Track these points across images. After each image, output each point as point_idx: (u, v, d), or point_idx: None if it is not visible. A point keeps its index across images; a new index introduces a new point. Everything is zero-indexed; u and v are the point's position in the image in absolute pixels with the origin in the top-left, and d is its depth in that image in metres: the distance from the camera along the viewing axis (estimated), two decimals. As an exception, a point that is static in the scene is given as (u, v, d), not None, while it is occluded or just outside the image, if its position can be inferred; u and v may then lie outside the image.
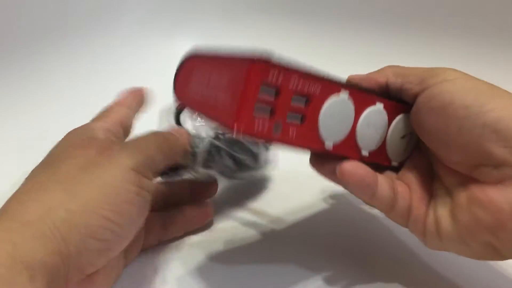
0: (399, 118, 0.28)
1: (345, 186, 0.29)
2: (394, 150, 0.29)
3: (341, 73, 0.57)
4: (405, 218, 0.29)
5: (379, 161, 0.29)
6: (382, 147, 0.28)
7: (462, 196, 0.27)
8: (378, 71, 0.30)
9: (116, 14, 0.56)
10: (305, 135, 0.25)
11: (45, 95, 0.51)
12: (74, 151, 0.27)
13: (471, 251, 0.27)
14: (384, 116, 0.28)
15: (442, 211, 0.28)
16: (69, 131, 0.30)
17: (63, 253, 0.22)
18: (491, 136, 0.24)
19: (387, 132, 0.28)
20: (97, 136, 0.28)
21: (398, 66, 0.30)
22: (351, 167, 0.28)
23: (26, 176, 0.28)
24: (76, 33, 0.55)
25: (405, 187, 0.30)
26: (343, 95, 0.26)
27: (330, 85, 0.26)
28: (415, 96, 0.28)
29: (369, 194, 0.29)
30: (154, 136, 0.31)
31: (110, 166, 0.25)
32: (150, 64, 0.54)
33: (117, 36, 0.56)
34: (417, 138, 0.29)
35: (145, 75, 0.46)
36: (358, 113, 0.27)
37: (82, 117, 0.34)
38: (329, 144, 0.26)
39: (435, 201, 0.29)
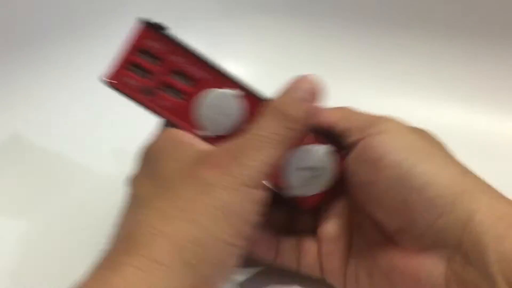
0: (305, 148, 0.26)
1: None
2: (288, 179, 0.27)
3: (342, 72, 0.57)
4: (317, 272, 0.28)
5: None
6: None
7: (382, 259, 0.25)
8: (333, 109, 0.27)
9: (116, 14, 0.53)
10: (178, 111, 0.26)
11: (45, 94, 0.48)
12: (187, 171, 0.24)
13: None
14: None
15: (361, 270, 0.26)
16: (160, 142, 0.26)
17: (197, 286, 0.22)
18: (417, 203, 0.23)
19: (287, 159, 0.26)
20: (200, 148, 0.25)
21: (348, 110, 0.27)
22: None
23: (20, 175, 0.26)
24: (76, 33, 0.52)
25: (313, 244, 0.28)
26: (230, 91, 0.26)
27: (220, 78, 0.26)
28: (354, 144, 0.25)
29: (268, 259, 0.28)
30: (267, 124, 0.24)
31: (225, 184, 0.22)
32: None
33: (116, 36, 0.52)
34: (331, 182, 0.27)
35: None
36: (248, 114, 0.26)
37: (82, 116, 0.33)
38: (206, 133, 0.26)
39: (356, 255, 0.27)
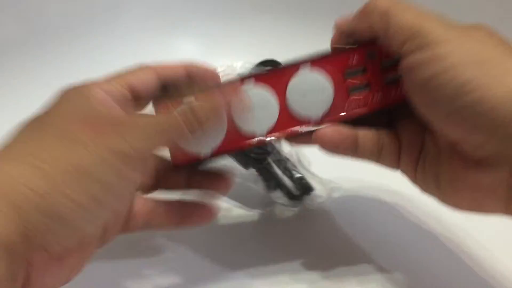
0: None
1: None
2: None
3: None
4: (394, 166, 0.29)
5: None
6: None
7: (446, 167, 0.26)
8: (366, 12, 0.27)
9: (115, 14, 0.54)
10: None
11: (44, 94, 0.48)
12: (61, 121, 0.24)
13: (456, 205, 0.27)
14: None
15: (429, 172, 0.27)
16: (67, 88, 0.27)
17: (23, 234, 0.21)
18: (474, 115, 0.23)
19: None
20: (92, 107, 0.25)
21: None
22: (325, 134, 0.27)
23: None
24: (76, 33, 0.52)
25: (393, 138, 0.28)
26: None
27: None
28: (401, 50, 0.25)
29: (349, 153, 0.28)
30: (164, 117, 0.26)
31: (92, 147, 0.23)
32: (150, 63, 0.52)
33: (116, 36, 0.53)
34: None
35: None
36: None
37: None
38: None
39: (425, 158, 0.27)
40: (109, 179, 0.23)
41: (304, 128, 0.27)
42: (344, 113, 0.27)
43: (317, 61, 0.27)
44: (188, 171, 0.31)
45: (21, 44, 0.51)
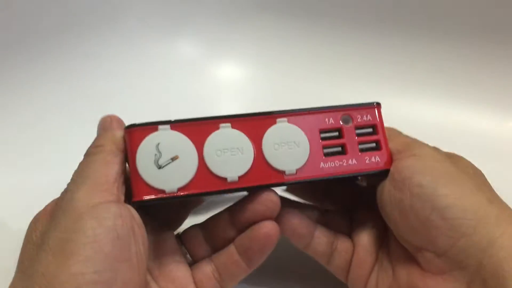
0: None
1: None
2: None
3: (342, 72, 0.57)
4: (343, 275, 0.29)
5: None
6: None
7: (402, 278, 0.26)
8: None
9: (115, 14, 0.54)
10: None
11: (44, 94, 0.48)
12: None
13: None
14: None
15: (381, 284, 0.27)
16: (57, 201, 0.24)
17: None
18: (438, 223, 0.23)
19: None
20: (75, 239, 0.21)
21: (393, 130, 0.29)
22: (287, 217, 0.27)
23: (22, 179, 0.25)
24: (76, 33, 0.52)
25: (348, 245, 0.29)
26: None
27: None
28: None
29: (302, 244, 0.28)
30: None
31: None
32: (150, 64, 0.52)
33: (116, 36, 0.53)
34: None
35: (145, 76, 0.46)
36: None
37: (81, 117, 0.33)
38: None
39: (378, 269, 0.28)
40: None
41: (277, 180, 0.26)
42: (319, 172, 0.26)
43: (295, 115, 0.26)
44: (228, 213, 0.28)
45: (20, 46, 0.50)
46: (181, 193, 0.24)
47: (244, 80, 0.50)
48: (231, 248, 0.27)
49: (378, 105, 0.27)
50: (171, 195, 0.23)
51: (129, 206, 0.23)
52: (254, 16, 0.56)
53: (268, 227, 0.26)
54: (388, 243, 0.28)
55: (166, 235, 0.27)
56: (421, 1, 0.50)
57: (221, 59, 0.50)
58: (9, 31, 0.50)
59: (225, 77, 0.49)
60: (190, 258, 0.28)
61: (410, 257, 0.26)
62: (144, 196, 0.23)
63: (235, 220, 0.27)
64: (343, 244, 0.29)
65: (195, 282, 0.27)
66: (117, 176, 0.23)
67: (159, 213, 0.27)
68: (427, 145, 0.27)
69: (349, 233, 0.29)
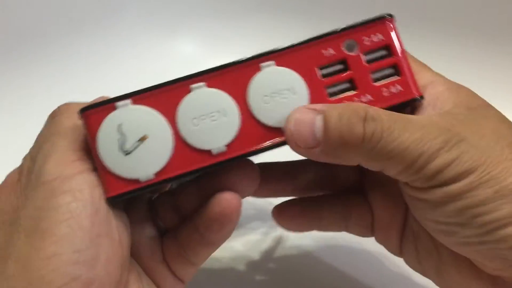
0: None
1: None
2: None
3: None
4: (368, 234, 0.25)
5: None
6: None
7: (453, 270, 0.21)
8: None
9: (115, 14, 0.53)
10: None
11: (43, 94, 0.47)
12: None
13: None
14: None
15: (426, 262, 0.23)
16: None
17: None
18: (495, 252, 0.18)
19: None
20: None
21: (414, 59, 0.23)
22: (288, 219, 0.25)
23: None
24: (75, 33, 0.52)
25: (365, 209, 0.25)
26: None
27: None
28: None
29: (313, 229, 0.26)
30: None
31: None
32: (150, 64, 0.51)
33: (116, 36, 0.53)
34: None
35: (145, 75, 0.45)
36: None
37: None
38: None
39: (414, 243, 0.23)
40: None
41: (275, 140, 0.20)
42: None
43: (284, 55, 0.21)
44: (197, 186, 0.23)
45: (19, 46, 0.50)
46: (159, 179, 0.19)
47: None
48: (193, 224, 0.23)
49: (391, 17, 0.21)
50: (148, 183, 0.19)
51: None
52: (253, 14, 0.55)
53: (227, 200, 0.21)
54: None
55: (137, 203, 0.23)
56: (422, 1, 0.49)
57: (220, 57, 0.49)
58: (8, 28, 0.50)
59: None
60: (163, 226, 0.23)
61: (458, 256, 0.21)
62: (117, 191, 0.19)
63: (201, 190, 0.22)
64: (360, 209, 0.24)
65: (165, 261, 0.23)
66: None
67: None
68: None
69: (362, 189, 0.25)
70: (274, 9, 0.54)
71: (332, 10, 0.52)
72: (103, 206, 0.18)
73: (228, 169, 0.21)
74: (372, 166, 0.18)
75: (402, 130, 0.17)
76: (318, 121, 0.18)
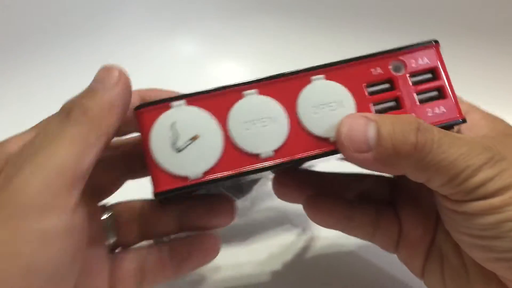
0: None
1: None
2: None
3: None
4: (392, 249, 0.26)
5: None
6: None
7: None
8: None
9: (115, 13, 0.53)
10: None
11: (43, 93, 0.47)
12: None
13: None
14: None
15: (453, 284, 0.23)
16: None
17: None
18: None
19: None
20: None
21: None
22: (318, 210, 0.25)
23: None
24: (75, 33, 0.52)
25: (393, 222, 0.25)
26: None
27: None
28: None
29: (340, 229, 0.26)
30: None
31: None
32: (149, 63, 0.51)
33: (116, 35, 0.53)
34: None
35: (145, 75, 0.44)
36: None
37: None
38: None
39: (440, 263, 0.23)
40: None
41: (323, 149, 0.21)
42: None
43: (334, 70, 0.22)
44: (179, 209, 0.25)
45: (19, 46, 0.50)
46: (208, 178, 0.20)
47: (243, 78, 0.50)
48: (164, 248, 0.24)
49: (437, 43, 0.23)
50: (196, 181, 0.19)
51: (85, 211, 0.19)
52: (254, 13, 0.55)
53: (211, 243, 0.25)
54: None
55: (92, 208, 0.22)
56: (422, 1, 0.49)
57: (220, 57, 0.49)
58: (8, 28, 0.50)
59: (224, 75, 0.47)
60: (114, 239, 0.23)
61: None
62: (166, 187, 0.19)
63: (183, 218, 0.25)
64: (387, 220, 0.25)
65: (112, 280, 0.23)
66: (89, 166, 0.18)
67: (91, 178, 0.19)
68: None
69: (393, 204, 0.26)
70: (274, 9, 0.54)
71: (332, 10, 0.52)
72: (68, 261, 0.18)
73: (207, 203, 0.25)
74: (418, 176, 0.19)
75: (450, 143, 0.18)
76: (371, 127, 0.19)
